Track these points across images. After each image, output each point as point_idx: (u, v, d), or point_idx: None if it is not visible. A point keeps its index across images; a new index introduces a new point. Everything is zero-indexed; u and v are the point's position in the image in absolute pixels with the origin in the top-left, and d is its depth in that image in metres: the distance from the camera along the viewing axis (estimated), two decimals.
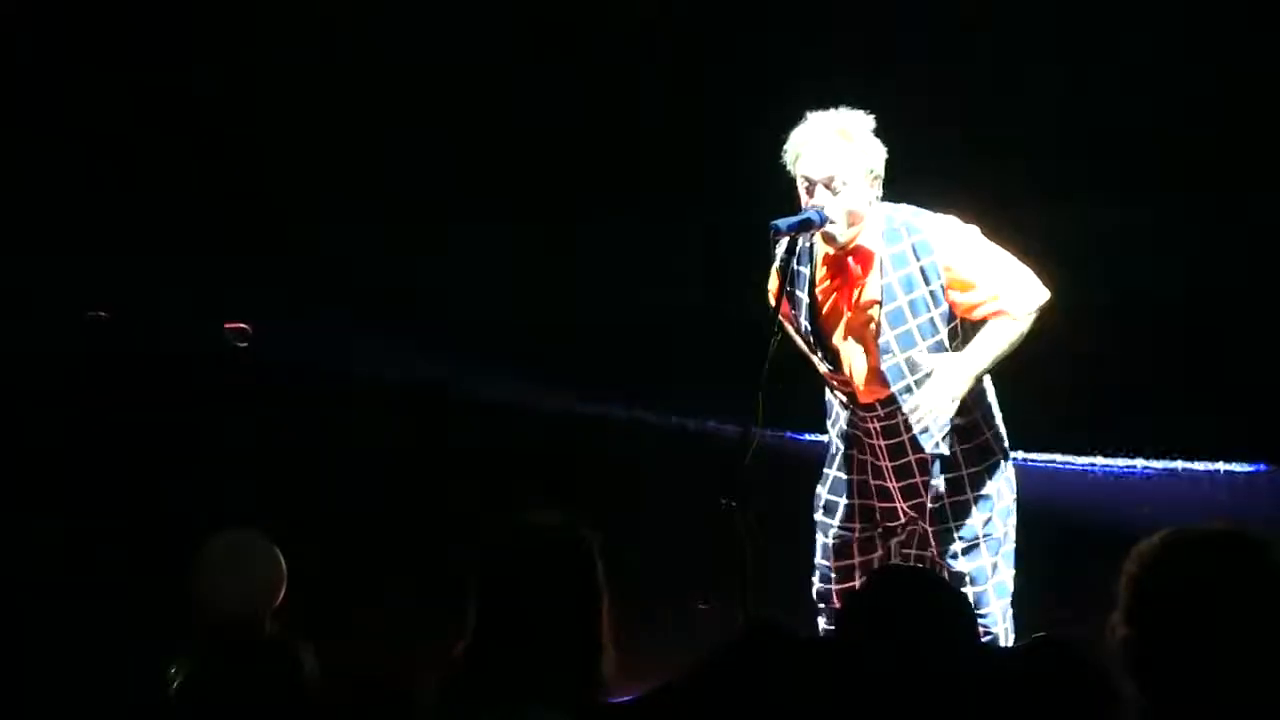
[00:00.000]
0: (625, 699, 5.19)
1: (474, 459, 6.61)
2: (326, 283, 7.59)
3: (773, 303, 5.33)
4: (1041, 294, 5.14)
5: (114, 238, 7.45)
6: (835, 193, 5.07)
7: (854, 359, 5.25)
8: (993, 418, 5.30)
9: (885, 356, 5.16)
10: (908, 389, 5.15)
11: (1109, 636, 2.96)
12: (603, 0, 7.69)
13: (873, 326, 5.18)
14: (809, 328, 5.24)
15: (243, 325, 6.24)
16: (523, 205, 7.76)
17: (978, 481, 5.26)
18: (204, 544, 4.22)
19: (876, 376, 5.21)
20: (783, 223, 5.09)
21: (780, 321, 5.17)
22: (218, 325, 6.28)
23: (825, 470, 5.44)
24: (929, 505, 5.26)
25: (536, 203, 7.75)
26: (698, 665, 4.32)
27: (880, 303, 5.16)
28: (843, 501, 5.39)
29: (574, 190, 7.84)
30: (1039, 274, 5.16)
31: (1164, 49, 7.27)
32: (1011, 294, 5.12)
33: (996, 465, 5.29)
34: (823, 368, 5.31)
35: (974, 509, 5.26)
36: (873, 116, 5.15)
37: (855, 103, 5.19)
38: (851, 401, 5.29)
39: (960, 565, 5.22)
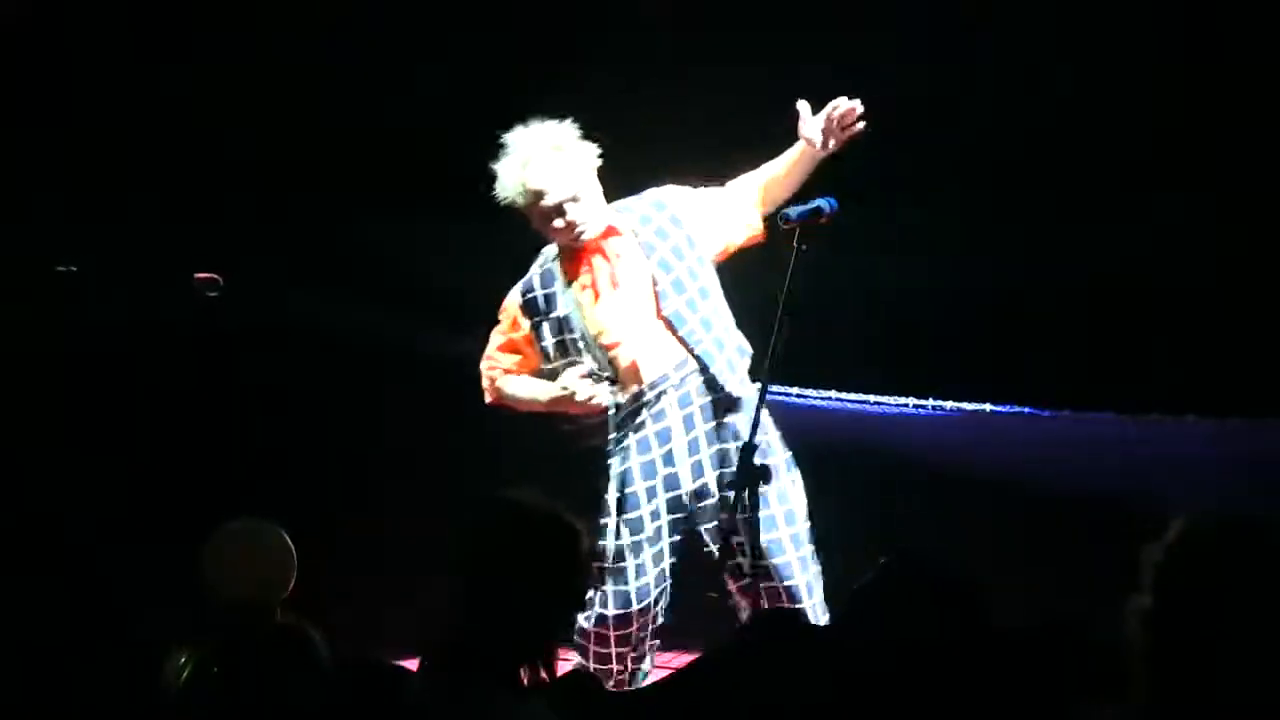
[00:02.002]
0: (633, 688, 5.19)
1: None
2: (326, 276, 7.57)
3: (497, 359, 5.60)
4: None
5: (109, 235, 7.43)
6: (579, 200, 5.34)
7: (634, 332, 5.41)
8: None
9: (665, 303, 5.37)
10: (692, 332, 5.34)
11: (1126, 621, 2.95)
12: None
13: (648, 288, 5.40)
14: (583, 332, 5.41)
15: (213, 275, 6.18)
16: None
17: (770, 428, 5.38)
18: (216, 532, 4.21)
19: (662, 331, 5.37)
20: (793, 211, 5.13)
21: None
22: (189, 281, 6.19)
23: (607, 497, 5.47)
24: (723, 473, 5.34)
25: None
26: (707, 654, 4.33)
27: (646, 260, 5.41)
28: (642, 510, 5.41)
29: None
30: None
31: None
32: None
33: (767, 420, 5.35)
34: (592, 388, 5.37)
35: (775, 452, 5.38)
36: (570, 121, 5.44)
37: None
38: (637, 399, 5.39)
39: (769, 511, 5.28)
